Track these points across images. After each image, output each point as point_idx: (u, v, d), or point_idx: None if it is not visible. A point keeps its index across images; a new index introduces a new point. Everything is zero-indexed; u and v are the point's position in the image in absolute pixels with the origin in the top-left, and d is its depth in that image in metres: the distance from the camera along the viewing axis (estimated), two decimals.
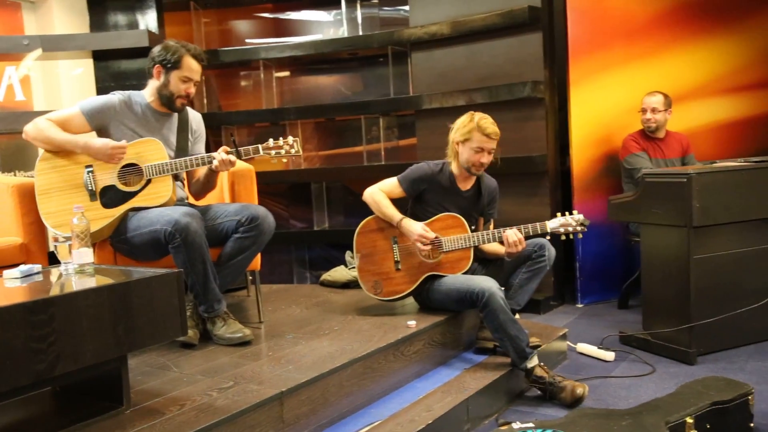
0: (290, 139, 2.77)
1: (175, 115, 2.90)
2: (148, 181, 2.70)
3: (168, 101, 2.80)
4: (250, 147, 2.74)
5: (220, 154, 2.70)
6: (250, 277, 3.60)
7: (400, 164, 4.22)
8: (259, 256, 2.99)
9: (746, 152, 4.27)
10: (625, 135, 4.10)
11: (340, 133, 5.13)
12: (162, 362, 2.46)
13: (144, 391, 2.16)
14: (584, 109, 4.19)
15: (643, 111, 4.02)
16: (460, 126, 3.01)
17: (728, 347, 3.25)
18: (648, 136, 4.05)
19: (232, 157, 2.70)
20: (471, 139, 2.96)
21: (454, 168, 3.08)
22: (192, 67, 2.79)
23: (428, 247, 2.97)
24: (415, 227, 2.97)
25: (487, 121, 2.96)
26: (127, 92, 2.86)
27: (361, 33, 4.83)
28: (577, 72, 4.17)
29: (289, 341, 2.68)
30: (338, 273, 3.96)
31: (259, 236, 2.72)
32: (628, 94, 4.22)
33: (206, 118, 3.07)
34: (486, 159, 2.97)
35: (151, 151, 2.72)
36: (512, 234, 2.91)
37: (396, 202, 3.11)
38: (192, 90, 2.81)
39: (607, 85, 4.22)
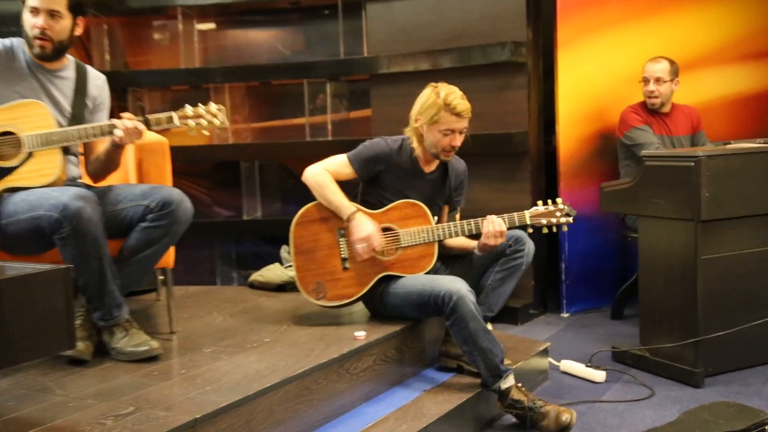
0: (213, 106, 2.74)
1: (70, 71, 2.81)
2: (29, 155, 2.64)
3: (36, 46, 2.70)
4: (162, 115, 2.70)
5: (124, 122, 2.64)
6: (161, 277, 3.57)
7: (351, 140, 4.18)
8: (172, 250, 2.94)
9: (767, 132, 4.36)
10: (623, 109, 4.14)
11: (277, 100, 5.08)
12: (42, 383, 2.40)
13: (16, 420, 2.10)
14: (574, 78, 4.22)
15: (645, 81, 4.06)
16: (423, 106, 3.01)
17: (742, 367, 3.30)
18: (650, 109, 4.09)
19: (140, 125, 2.65)
20: (438, 120, 2.96)
21: (416, 147, 3.07)
22: None
23: (369, 255, 2.97)
24: (367, 226, 2.96)
25: (455, 96, 2.96)
26: (9, 39, 2.76)
27: None
28: (567, 32, 4.19)
29: (208, 356, 2.66)
30: (271, 272, 3.94)
31: (172, 225, 2.68)
32: (628, 60, 4.27)
33: (109, 78, 3.02)
34: (458, 141, 2.99)
35: (34, 117, 2.65)
36: (496, 222, 2.91)
37: (344, 185, 3.09)
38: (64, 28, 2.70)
39: (602, 49, 4.25)
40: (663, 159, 3.27)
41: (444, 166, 3.13)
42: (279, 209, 4.99)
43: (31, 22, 2.70)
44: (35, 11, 2.69)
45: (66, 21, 2.73)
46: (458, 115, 2.94)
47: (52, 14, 2.70)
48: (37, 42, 2.71)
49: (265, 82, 4.92)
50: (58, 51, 2.75)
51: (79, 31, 2.82)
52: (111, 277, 2.58)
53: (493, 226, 2.92)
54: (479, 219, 2.96)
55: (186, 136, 2.76)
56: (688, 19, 4.38)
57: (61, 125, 2.71)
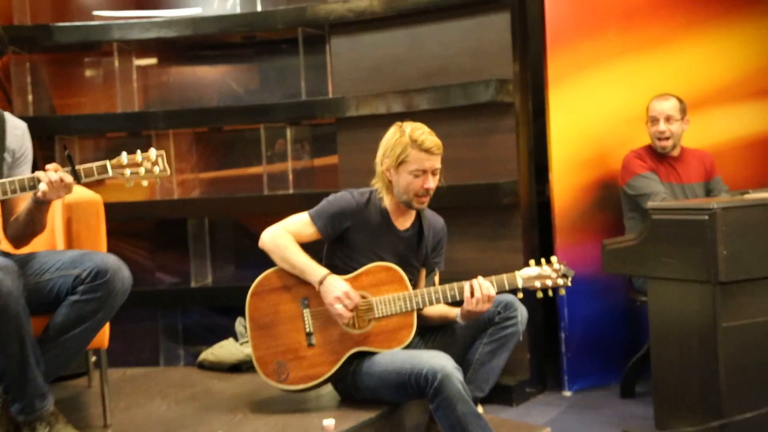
0: (153, 152, 2.73)
1: None
2: None
3: None
4: (94, 165, 2.68)
5: (49, 174, 2.61)
6: (93, 359, 3.53)
7: (315, 193, 4.18)
8: (107, 327, 2.91)
9: None
10: (626, 153, 4.17)
11: (229, 148, 5.07)
12: None
13: None
14: (568, 118, 4.26)
15: (653, 121, 4.09)
16: (387, 147, 3.05)
17: None
18: (658, 153, 4.13)
19: (68, 178, 2.62)
20: (406, 160, 2.98)
21: (386, 199, 3.08)
22: None
23: (350, 314, 2.93)
24: (341, 285, 2.95)
25: (422, 132, 3.01)
26: None
27: (260, 8, 4.82)
28: (558, 67, 4.24)
29: None
30: (225, 350, 3.91)
31: (107, 298, 2.66)
32: (629, 97, 4.31)
33: (33, 124, 3.00)
34: (432, 183, 3.01)
35: None
36: (483, 286, 2.91)
37: (307, 247, 3.08)
38: None
39: (600, 86, 4.30)
40: (672, 212, 3.29)
41: (419, 223, 3.14)
42: (233, 275, 4.96)
43: None
44: None
45: None
46: (428, 151, 2.97)
47: None
48: None
49: (216, 128, 4.92)
50: None
51: None
52: (34, 362, 2.53)
53: (480, 290, 2.92)
54: (463, 282, 2.96)
55: (123, 191, 2.76)
56: (695, 52, 4.41)
57: None
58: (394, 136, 3.03)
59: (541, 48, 4.26)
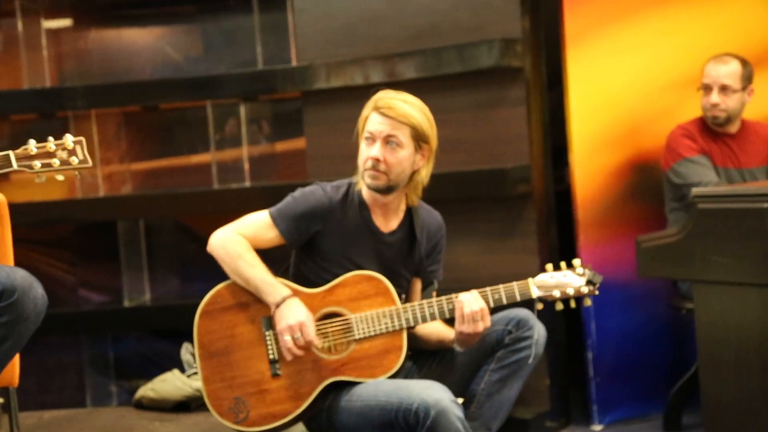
0: (69, 139, 2.71)
1: None
2: None
3: None
4: None
5: None
6: (1, 400, 3.50)
7: (276, 186, 4.19)
8: (16, 360, 2.91)
9: None
10: (667, 128, 4.18)
11: (167, 131, 5.07)
12: None
13: None
14: (591, 86, 4.27)
15: (706, 89, 4.07)
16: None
17: None
18: (712, 129, 4.13)
19: None
20: (364, 126, 3.04)
21: (365, 193, 3.09)
22: None
23: (298, 353, 2.95)
24: (300, 312, 2.95)
25: (390, 94, 3.04)
26: None
27: None
28: (579, 22, 4.24)
29: None
30: (169, 385, 3.92)
31: (16, 324, 2.63)
32: (667, 57, 4.31)
33: None
34: (377, 152, 2.99)
35: None
36: (469, 301, 2.91)
37: (267, 255, 3.08)
38: None
39: (630, 44, 4.30)
40: (724, 199, 3.30)
41: (409, 222, 3.13)
42: (176, 290, 4.98)
43: None
44: None
45: None
46: (378, 110, 2.99)
47: None
48: None
49: (150, 106, 4.92)
50: None
51: None
52: None
53: (469, 305, 2.91)
54: (451, 295, 2.95)
55: (33, 188, 2.74)
56: None
57: None
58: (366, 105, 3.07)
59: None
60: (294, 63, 4.58)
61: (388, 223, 3.12)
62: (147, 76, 4.93)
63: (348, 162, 3.21)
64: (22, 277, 2.65)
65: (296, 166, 4.71)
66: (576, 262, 3.05)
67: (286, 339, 2.94)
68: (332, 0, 4.49)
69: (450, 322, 3.03)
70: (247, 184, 4.75)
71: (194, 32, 5.07)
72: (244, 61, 4.81)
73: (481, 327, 2.91)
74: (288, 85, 4.58)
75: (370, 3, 4.41)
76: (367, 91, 3.47)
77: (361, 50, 4.40)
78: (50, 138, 2.71)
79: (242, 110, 4.80)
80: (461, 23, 4.25)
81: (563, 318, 4.03)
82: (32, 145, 2.68)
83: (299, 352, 2.95)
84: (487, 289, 2.95)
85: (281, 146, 4.92)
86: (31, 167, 2.67)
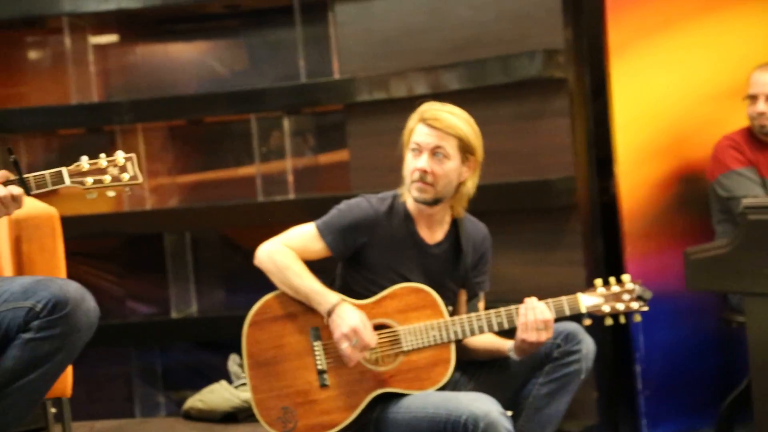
0: (120, 155, 2.72)
1: None
2: None
3: None
4: (47, 173, 2.67)
5: None
6: (53, 410, 3.50)
7: (320, 198, 4.19)
8: (69, 371, 2.95)
9: None
10: (714, 138, 4.14)
11: (213, 144, 5.09)
12: None
13: None
14: (636, 96, 4.24)
15: (752, 99, 4.04)
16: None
17: None
18: (759, 139, 4.09)
19: (15, 190, 2.64)
20: (410, 137, 3.03)
21: (411, 205, 3.08)
22: None
23: (359, 356, 2.94)
24: (353, 317, 2.95)
25: (436, 106, 3.03)
26: None
27: None
28: (622, 31, 4.22)
29: None
30: (217, 396, 3.92)
31: (69, 336, 2.65)
32: (715, 66, 4.27)
33: None
34: (424, 163, 2.97)
35: None
36: (537, 309, 2.90)
37: (314, 266, 3.08)
38: None
39: (676, 53, 4.27)
40: None
41: (455, 234, 3.13)
42: (222, 301, 4.99)
43: None
44: None
45: None
46: (426, 122, 2.98)
47: None
48: None
49: (196, 120, 4.94)
50: None
51: None
52: None
53: (534, 314, 2.90)
54: (512, 307, 2.95)
55: (82, 201, 2.75)
56: None
57: None
58: (411, 116, 3.06)
59: (599, 9, 4.23)
60: (336, 76, 4.59)
61: (434, 234, 3.11)
62: (192, 90, 4.96)
63: (391, 174, 3.21)
64: (75, 289, 2.67)
65: (339, 178, 4.71)
66: (625, 277, 3.02)
67: (344, 347, 2.94)
68: (374, 13, 4.49)
69: (498, 333, 3.03)
70: (291, 196, 4.76)
71: (239, 47, 5.09)
72: (287, 75, 4.82)
73: (544, 337, 2.90)
74: (331, 98, 4.59)
75: (412, 16, 4.41)
76: (410, 103, 3.48)
77: (403, 63, 4.40)
78: (102, 155, 2.72)
79: (286, 123, 4.81)
80: (503, 35, 4.24)
81: (610, 331, 4.00)
82: (84, 162, 2.70)
83: (360, 356, 2.95)
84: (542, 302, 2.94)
85: (324, 158, 4.93)
86: (82, 183, 2.69)
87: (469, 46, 4.30)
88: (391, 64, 4.43)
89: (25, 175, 2.64)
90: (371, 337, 2.95)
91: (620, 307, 2.97)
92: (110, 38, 5.08)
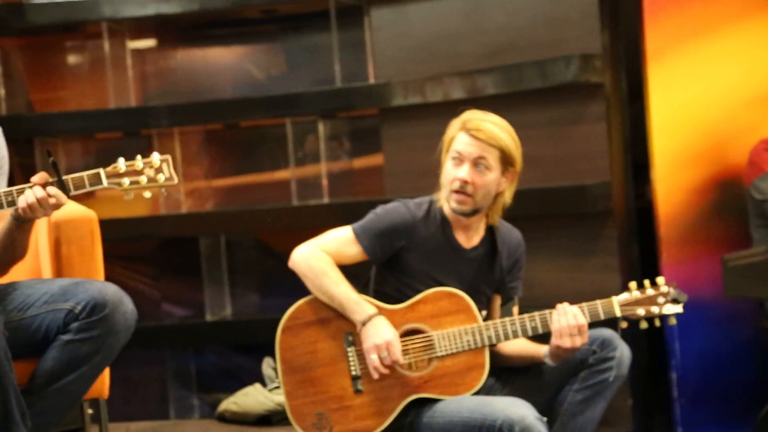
0: (156, 157, 2.75)
1: None
2: None
3: None
4: (85, 174, 2.70)
5: (33, 192, 2.64)
6: (90, 411, 3.51)
7: (354, 202, 4.20)
8: (107, 373, 2.95)
9: None
10: (752, 143, 4.11)
11: (248, 148, 5.11)
12: None
13: None
14: (673, 101, 4.22)
15: None
16: (444, 136, 3.08)
17: None
18: None
19: (54, 192, 2.66)
20: (451, 145, 3.02)
21: (447, 210, 3.08)
22: None
23: (383, 371, 2.95)
24: (388, 331, 2.95)
25: (478, 115, 3.02)
26: None
27: None
28: (660, 36, 4.20)
29: None
30: (251, 399, 3.95)
31: (107, 338, 2.68)
32: (754, 71, 4.25)
33: (6, 125, 3.06)
34: (467, 175, 2.96)
35: None
36: (570, 313, 2.90)
37: (349, 270, 3.09)
38: None
39: (714, 58, 4.24)
40: None
41: (491, 239, 3.12)
42: (256, 304, 5.00)
43: None
44: None
45: None
46: (469, 132, 2.97)
47: None
48: None
49: (231, 124, 4.97)
50: None
51: None
52: (19, 417, 2.55)
53: (567, 319, 2.89)
54: (546, 312, 2.94)
55: (118, 205, 2.78)
56: None
57: None
58: (451, 124, 3.05)
59: (637, 14, 4.22)
60: (372, 80, 4.60)
61: (470, 239, 3.10)
62: (228, 95, 4.98)
63: (425, 178, 3.21)
64: (113, 292, 2.69)
65: (374, 182, 4.72)
66: (660, 280, 3.01)
67: (373, 358, 2.93)
68: (409, 18, 4.49)
69: (533, 338, 3.02)
70: (326, 200, 4.76)
71: (275, 51, 5.10)
72: (322, 79, 4.83)
73: (578, 342, 2.89)
74: (366, 103, 4.60)
75: (447, 20, 4.41)
76: (445, 107, 3.50)
77: (438, 67, 4.40)
78: (138, 156, 2.75)
79: (321, 127, 4.82)
80: (539, 39, 4.23)
81: (646, 338, 3.98)
82: (121, 163, 2.72)
83: (385, 371, 2.95)
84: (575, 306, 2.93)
85: (359, 163, 4.93)
86: (119, 184, 2.71)
87: (505, 50, 4.29)
88: (427, 68, 4.43)
89: (64, 177, 2.67)
90: (400, 355, 2.95)
91: (655, 310, 2.95)
92: (148, 43, 5.11)
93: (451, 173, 2.99)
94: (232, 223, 4.84)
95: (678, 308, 2.97)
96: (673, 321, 3.00)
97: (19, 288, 2.77)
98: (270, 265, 5.00)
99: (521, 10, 4.28)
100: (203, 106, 4.80)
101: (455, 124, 3.02)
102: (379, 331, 2.95)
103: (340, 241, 3.07)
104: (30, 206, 2.64)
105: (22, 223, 2.75)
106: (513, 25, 4.29)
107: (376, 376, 2.96)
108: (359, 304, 2.99)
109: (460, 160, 2.97)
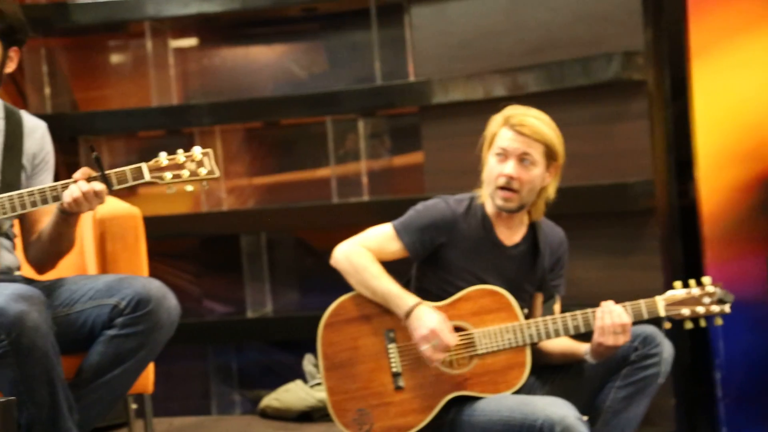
0: (197, 151, 2.76)
1: None
2: None
3: None
4: (127, 168, 2.73)
5: (78, 186, 2.67)
6: (135, 406, 3.56)
7: (395, 200, 4.21)
8: (150, 368, 2.98)
9: None
10: None
11: (289, 146, 5.12)
12: None
13: None
14: (718, 99, 4.19)
15: None
16: (486, 131, 3.08)
17: None
18: None
19: (98, 186, 2.69)
20: (493, 141, 3.01)
21: (488, 207, 3.08)
22: None
23: (441, 356, 2.94)
24: (431, 318, 2.94)
25: (521, 111, 3.02)
26: None
27: None
28: (704, 33, 4.17)
29: None
30: (292, 395, 3.96)
31: (152, 333, 2.71)
32: None
33: (52, 123, 3.08)
34: (511, 169, 2.96)
35: None
36: (614, 312, 2.89)
37: (390, 267, 3.09)
38: None
39: (760, 55, 4.22)
40: None
41: (533, 236, 3.12)
42: (297, 302, 5.01)
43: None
44: None
45: None
46: (512, 127, 2.96)
47: None
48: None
49: (272, 122, 4.98)
50: None
51: (12, 67, 2.92)
52: (67, 411, 2.58)
53: (611, 317, 2.88)
54: (589, 310, 2.93)
55: (159, 202, 2.80)
56: None
57: None
58: (493, 119, 3.05)
59: (681, 10, 4.19)
60: (412, 78, 4.60)
61: (512, 236, 3.10)
62: (269, 93, 4.99)
63: (465, 176, 3.20)
64: (158, 287, 2.72)
65: (414, 180, 4.72)
66: (706, 279, 2.99)
67: (424, 348, 2.93)
68: (449, 15, 4.48)
69: (573, 337, 3.02)
70: (366, 198, 4.76)
71: (316, 50, 5.11)
72: (362, 77, 4.83)
73: (621, 340, 2.88)
74: (406, 100, 4.60)
75: (488, 18, 4.40)
76: (485, 105, 3.49)
77: (479, 65, 4.39)
78: (180, 150, 2.77)
79: (361, 125, 4.82)
80: (581, 37, 4.22)
81: (689, 337, 3.96)
82: (163, 158, 2.75)
83: (441, 356, 2.94)
84: (619, 305, 2.93)
85: (399, 161, 4.92)
86: (162, 178, 2.74)
87: (547, 47, 4.27)
88: (467, 66, 4.42)
89: (107, 171, 2.70)
90: (451, 338, 2.94)
91: (700, 310, 2.93)
92: (190, 42, 5.14)
93: (496, 169, 2.98)
94: (272, 220, 4.84)
95: (724, 308, 2.95)
96: (719, 321, 2.98)
97: (65, 284, 2.81)
98: (310, 262, 5.02)
99: (563, 7, 4.27)
100: (244, 105, 4.82)
101: (497, 120, 3.02)
102: (423, 321, 2.94)
103: (381, 238, 3.08)
104: (75, 200, 2.66)
105: (68, 216, 2.77)
106: (555, 22, 4.28)
107: (432, 365, 2.95)
108: (401, 297, 2.99)
109: (504, 156, 2.97)
